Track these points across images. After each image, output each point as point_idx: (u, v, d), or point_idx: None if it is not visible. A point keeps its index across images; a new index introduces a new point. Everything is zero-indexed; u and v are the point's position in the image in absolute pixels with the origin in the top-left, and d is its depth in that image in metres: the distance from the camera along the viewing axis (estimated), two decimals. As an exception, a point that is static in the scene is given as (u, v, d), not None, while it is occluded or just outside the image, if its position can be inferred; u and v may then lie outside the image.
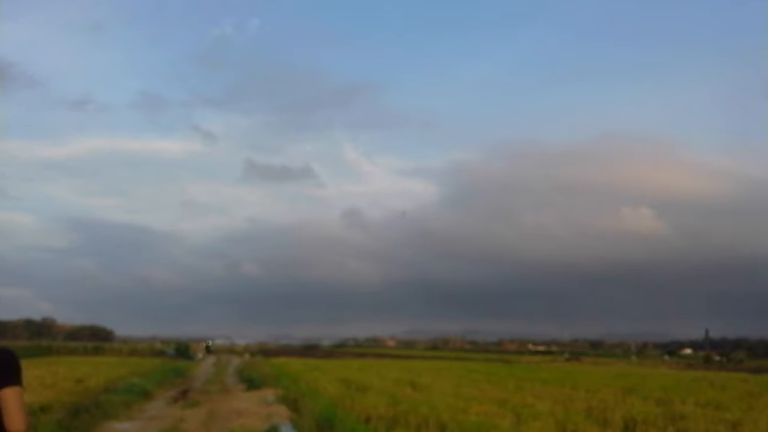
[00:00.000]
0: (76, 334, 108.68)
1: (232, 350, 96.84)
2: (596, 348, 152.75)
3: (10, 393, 2.96)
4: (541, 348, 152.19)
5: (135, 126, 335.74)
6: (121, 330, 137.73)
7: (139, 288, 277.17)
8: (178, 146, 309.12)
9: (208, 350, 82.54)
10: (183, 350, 66.87)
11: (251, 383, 26.14)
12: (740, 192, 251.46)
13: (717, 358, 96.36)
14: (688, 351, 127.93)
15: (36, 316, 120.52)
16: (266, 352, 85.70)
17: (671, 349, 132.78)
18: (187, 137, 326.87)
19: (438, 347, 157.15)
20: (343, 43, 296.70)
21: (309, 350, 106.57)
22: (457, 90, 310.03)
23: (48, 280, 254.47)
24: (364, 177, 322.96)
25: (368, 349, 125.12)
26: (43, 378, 21.58)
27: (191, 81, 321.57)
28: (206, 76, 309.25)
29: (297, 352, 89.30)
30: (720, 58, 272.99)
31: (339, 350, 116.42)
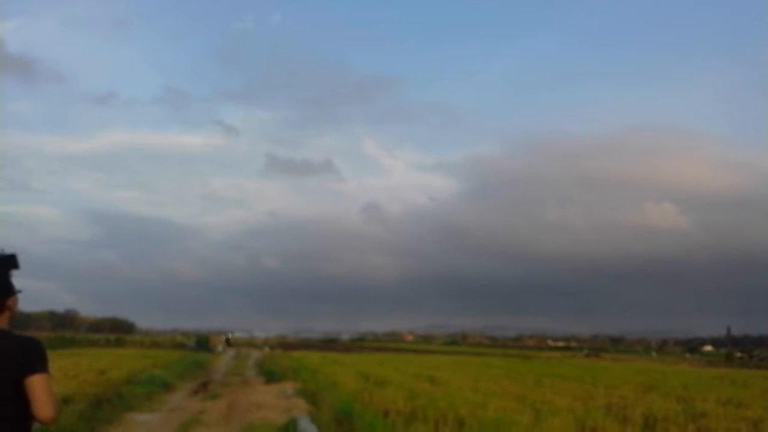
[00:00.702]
0: (99, 326, 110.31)
1: (251, 343, 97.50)
2: (616, 344, 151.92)
3: (39, 380, 2.99)
4: (560, 344, 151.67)
5: (158, 120, 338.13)
6: (142, 322, 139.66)
7: (160, 280, 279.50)
8: (200, 140, 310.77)
9: (228, 343, 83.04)
10: (203, 343, 67.44)
11: (271, 376, 26.28)
12: (764, 186, 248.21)
13: (739, 355, 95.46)
14: (708, 348, 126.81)
15: (59, 308, 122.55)
16: (286, 345, 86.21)
17: (692, 345, 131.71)
18: (209, 131, 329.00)
19: (457, 342, 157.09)
20: (364, 37, 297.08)
21: (328, 344, 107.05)
22: (478, 84, 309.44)
23: (71, 273, 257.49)
24: (384, 171, 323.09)
25: (387, 344, 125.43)
26: (66, 369, 21.81)
27: (213, 75, 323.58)
28: (228, 70, 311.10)
29: (316, 346, 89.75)
30: (745, 51, 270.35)
31: (358, 344, 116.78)
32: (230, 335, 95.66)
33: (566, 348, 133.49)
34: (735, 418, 14.14)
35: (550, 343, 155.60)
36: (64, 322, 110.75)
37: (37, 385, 2.98)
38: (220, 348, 69.49)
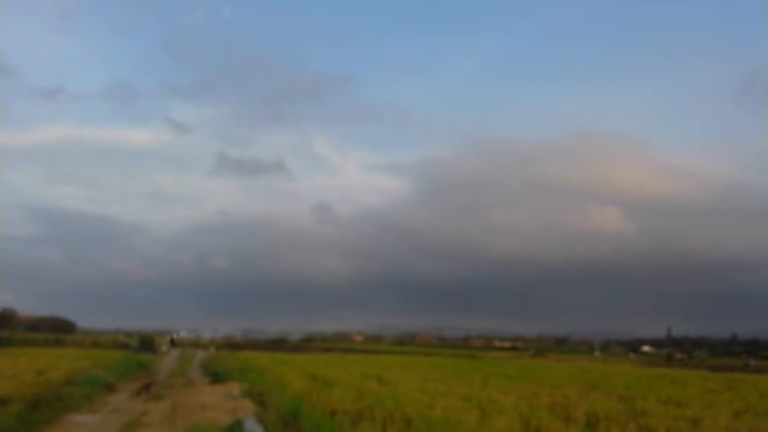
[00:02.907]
0: (37, 325, 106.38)
1: (197, 344, 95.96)
2: (561, 344, 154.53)
3: None
4: (507, 344, 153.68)
5: (105, 115, 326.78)
6: (83, 322, 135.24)
7: (103, 279, 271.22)
8: (147, 136, 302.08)
9: (173, 343, 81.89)
10: (147, 343, 66.06)
11: (216, 377, 25.91)
12: (706, 193, 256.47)
13: (679, 355, 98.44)
14: (649, 348, 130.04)
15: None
16: (233, 345, 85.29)
17: (634, 346, 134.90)
18: (158, 128, 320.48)
19: (406, 342, 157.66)
20: (318, 35, 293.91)
21: (276, 344, 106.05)
22: (432, 86, 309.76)
23: (8, 270, 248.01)
24: (335, 171, 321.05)
25: (336, 344, 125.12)
26: (2, 369, 21.14)
27: (162, 70, 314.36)
28: (177, 65, 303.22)
29: (264, 346, 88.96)
30: (692, 58, 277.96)
31: (306, 345, 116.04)
32: (175, 335, 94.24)
33: (513, 348, 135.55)
34: (674, 416, 14.52)
35: (497, 343, 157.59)
36: (0, 321, 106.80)
37: None
38: (164, 348, 68.27)
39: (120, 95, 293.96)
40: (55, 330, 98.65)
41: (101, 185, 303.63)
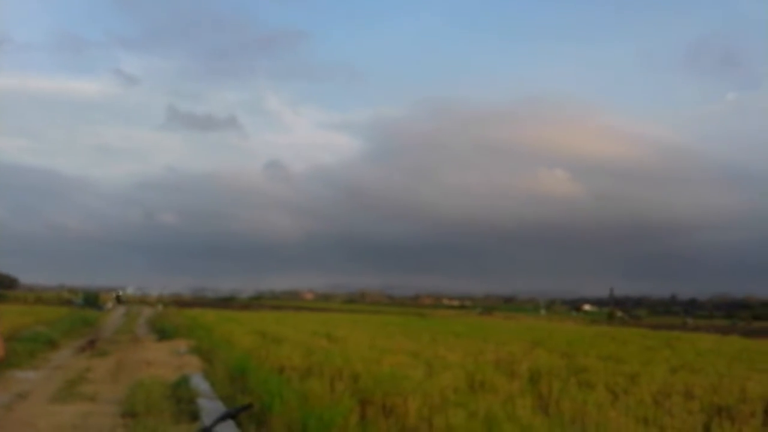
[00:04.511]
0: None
1: (144, 301, 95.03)
2: (508, 303, 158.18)
3: None
4: (455, 302, 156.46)
5: (51, 66, 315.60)
6: (26, 278, 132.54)
7: (47, 234, 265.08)
8: (95, 88, 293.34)
9: (119, 300, 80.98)
10: (92, 300, 65.10)
11: (163, 334, 25.71)
12: (652, 158, 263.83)
13: (620, 314, 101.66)
14: (590, 307, 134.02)
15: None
16: (181, 303, 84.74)
17: (578, 305, 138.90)
18: (106, 79, 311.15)
19: (356, 301, 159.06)
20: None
21: (225, 302, 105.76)
22: (386, 44, 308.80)
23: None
24: (287, 128, 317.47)
25: (286, 302, 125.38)
26: (-61, 326, 20.50)
27: (111, 20, 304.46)
28: (126, 15, 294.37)
29: (213, 304, 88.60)
30: (642, 25, 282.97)
31: (256, 302, 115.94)
32: (121, 292, 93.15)
33: (461, 306, 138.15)
34: (614, 372, 14.96)
35: (445, 301, 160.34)
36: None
37: None
38: (109, 305, 67.49)
39: (67, 45, 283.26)
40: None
41: (46, 137, 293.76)
